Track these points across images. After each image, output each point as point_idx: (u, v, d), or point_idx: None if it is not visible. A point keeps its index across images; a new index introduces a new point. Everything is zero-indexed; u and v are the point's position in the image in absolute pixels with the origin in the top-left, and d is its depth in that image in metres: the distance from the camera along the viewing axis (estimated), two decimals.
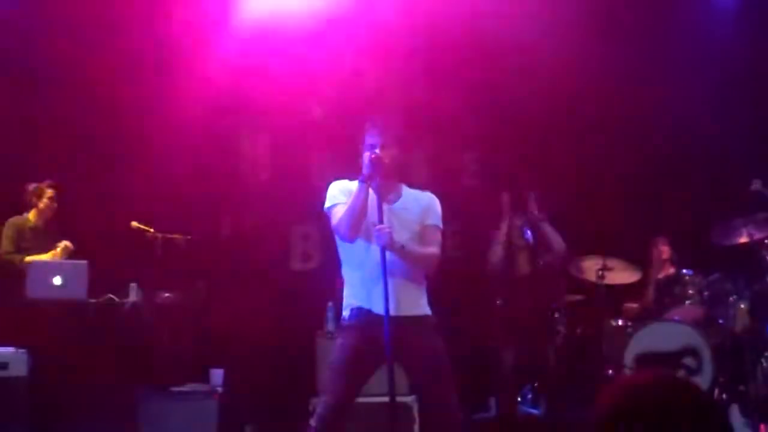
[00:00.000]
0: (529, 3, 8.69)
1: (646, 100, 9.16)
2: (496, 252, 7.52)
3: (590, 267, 8.09)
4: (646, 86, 9.12)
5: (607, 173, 9.14)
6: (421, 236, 5.17)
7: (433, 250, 5.18)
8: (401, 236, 5.04)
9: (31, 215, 8.06)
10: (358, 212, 5.01)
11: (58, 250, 7.75)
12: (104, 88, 8.62)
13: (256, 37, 8.91)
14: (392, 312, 4.84)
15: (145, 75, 8.78)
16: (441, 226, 5.26)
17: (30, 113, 8.67)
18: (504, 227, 7.56)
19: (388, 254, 4.93)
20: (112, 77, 8.63)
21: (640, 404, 2.41)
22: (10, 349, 6.84)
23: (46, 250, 7.80)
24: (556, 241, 7.51)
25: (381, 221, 4.94)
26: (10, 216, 8.01)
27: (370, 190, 5.02)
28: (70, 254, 7.77)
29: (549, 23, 8.73)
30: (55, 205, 8.09)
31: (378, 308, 4.89)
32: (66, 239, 7.86)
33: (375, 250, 4.96)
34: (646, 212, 8.96)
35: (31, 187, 8.06)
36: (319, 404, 5.10)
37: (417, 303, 5.14)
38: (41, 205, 8.04)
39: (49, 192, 8.06)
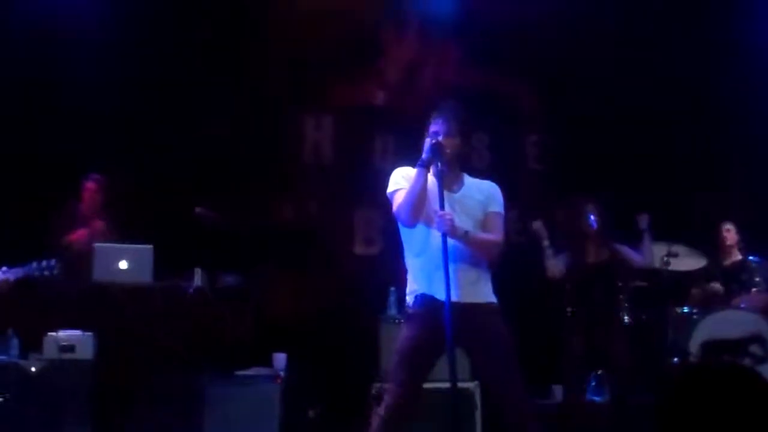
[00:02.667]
0: None
1: (713, 83, 9.05)
2: (553, 267, 7.49)
3: (656, 253, 8.01)
4: (716, 68, 9.02)
5: (672, 158, 9.04)
6: (484, 223, 5.16)
7: (496, 236, 5.17)
8: (464, 224, 5.03)
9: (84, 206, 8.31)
10: (417, 197, 5.00)
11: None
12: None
13: (321, 20, 8.92)
14: (455, 298, 4.82)
15: (208, 57, 8.85)
16: (503, 213, 5.25)
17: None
18: (546, 245, 7.52)
19: (450, 241, 4.92)
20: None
21: (704, 393, 2.39)
22: (77, 332, 6.93)
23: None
24: (648, 254, 7.56)
25: (442, 208, 4.93)
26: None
27: (431, 178, 5.02)
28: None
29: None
30: (98, 196, 8.28)
31: (441, 294, 4.88)
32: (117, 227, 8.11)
33: (437, 236, 4.95)
34: (714, 198, 8.85)
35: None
36: (387, 393, 5.11)
37: (480, 290, 5.13)
38: (84, 197, 8.28)
39: (89, 185, 8.27)
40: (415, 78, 9.31)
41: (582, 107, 9.06)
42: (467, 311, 4.92)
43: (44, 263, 6.54)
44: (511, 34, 9.06)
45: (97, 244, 7.63)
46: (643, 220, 7.63)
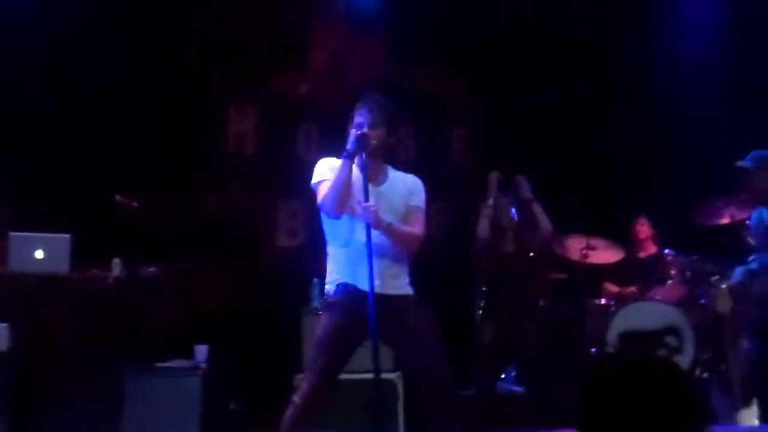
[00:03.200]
0: None
1: (632, 76, 9.19)
2: (484, 226, 7.50)
3: (574, 246, 8.13)
4: (635, 62, 9.16)
5: (591, 151, 9.15)
6: (406, 217, 5.20)
7: (417, 230, 5.23)
8: (386, 216, 5.07)
9: None
10: (342, 188, 5.03)
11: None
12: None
13: (246, 10, 8.86)
14: (377, 290, 4.85)
15: (132, 44, 8.75)
16: (424, 207, 5.31)
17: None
18: (491, 203, 7.54)
19: (373, 232, 4.94)
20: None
21: (620, 383, 2.43)
22: None
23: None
24: (545, 222, 7.51)
25: (367, 199, 4.96)
26: None
27: (356, 169, 5.04)
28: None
29: None
30: None
31: (363, 285, 4.90)
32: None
33: (360, 227, 4.98)
34: (630, 191, 8.98)
35: None
36: (303, 381, 5.13)
37: (401, 281, 5.20)
38: None
39: None
40: (340, 68, 9.30)
41: (506, 98, 9.12)
42: (387, 302, 4.94)
43: None
44: (436, 24, 9.08)
45: (12, 233, 7.48)
46: (524, 187, 7.64)
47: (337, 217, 5.11)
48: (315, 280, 7.46)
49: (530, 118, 9.10)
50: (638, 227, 8.61)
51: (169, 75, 8.88)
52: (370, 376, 4.87)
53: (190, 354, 7.46)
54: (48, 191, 8.31)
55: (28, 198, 8.19)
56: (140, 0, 8.82)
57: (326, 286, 5.24)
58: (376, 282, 4.87)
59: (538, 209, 7.51)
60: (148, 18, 8.78)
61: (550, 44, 9.25)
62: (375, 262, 4.90)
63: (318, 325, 5.24)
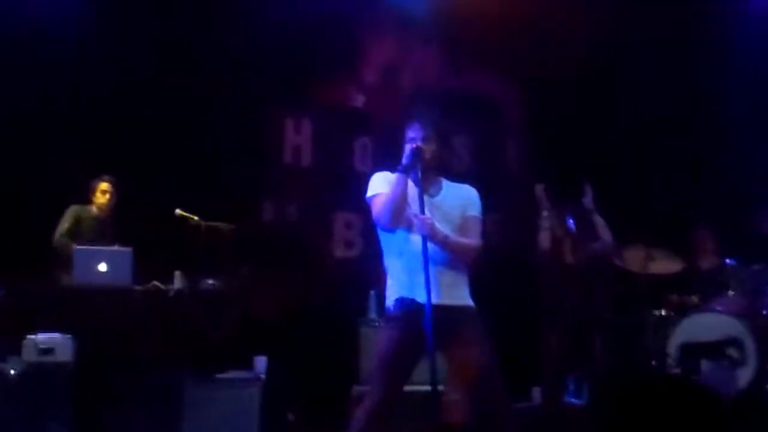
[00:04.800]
0: None
1: (688, 85, 9.11)
2: (545, 238, 7.45)
3: (633, 257, 8.05)
4: (687, 69, 9.08)
5: (651, 160, 9.08)
6: (462, 227, 5.20)
7: (474, 240, 5.22)
8: (443, 228, 5.08)
9: (94, 207, 8.40)
10: (397, 202, 5.05)
11: None
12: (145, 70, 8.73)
13: (298, 21, 8.91)
14: (435, 301, 4.86)
15: (187, 59, 8.84)
16: (481, 217, 5.29)
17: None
18: (546, 215, 7.49)
19: (429, 244, 4.95)
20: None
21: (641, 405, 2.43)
22: (56, 335, 6.90)
23: (99, 241, 7.99)
24: (605, 232, 7.43)
25: (423, 212, 4.97)
26: None
27: (411, 182, 5.06)
28: None
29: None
30: (110, 197, 8.39)
31: (421, 297, 4.91)
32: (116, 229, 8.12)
33: (416, 240, 4.99)
34: (690, 201, 8.89)
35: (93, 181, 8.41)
36: (366, 396, 5.14)
37: (459, 293, 5.18)
38: (95, 197, 8.39)
39: (102, 185, 8.40)
40: (395, 80, 9.32)
41: (562, 110, 9.08)
42: (445, 314, 4.95)
43: None
44: (493, 35, 9.06)
45: (76, 247, 7.61)
46: (588, 195, 7.58)
47: (392, 230, 5.13)
48: (372, 291, 7.50)
49: (588, 128, 9.03)
50: (699, 237, 8.50)
51: (228, 88, 8.96)
52: (426, 388, 4.86)
53: (249, 365, 7.52)
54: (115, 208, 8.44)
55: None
56: (197, 10, 8.90)
57: (387, 301, 5.25)
58: (433, 293, 4.88)
59: (598, 219, 7.44)
60: (205, 29, 8.87)
61: (614, 53, 9.16)
62: (432, 273, 4.90)
63: (379, 340, 5.26)
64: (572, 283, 7.41)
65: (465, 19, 9.01)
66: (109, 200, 8.40)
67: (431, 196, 5.18)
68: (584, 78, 9.05)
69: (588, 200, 7.50)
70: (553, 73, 9.05)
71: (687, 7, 8.99)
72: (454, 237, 5.12)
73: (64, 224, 8.25)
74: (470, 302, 5.21)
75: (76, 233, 8.19)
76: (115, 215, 8.43)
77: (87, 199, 8.43)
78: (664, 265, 8.15)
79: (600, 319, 7.48)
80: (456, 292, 5.15)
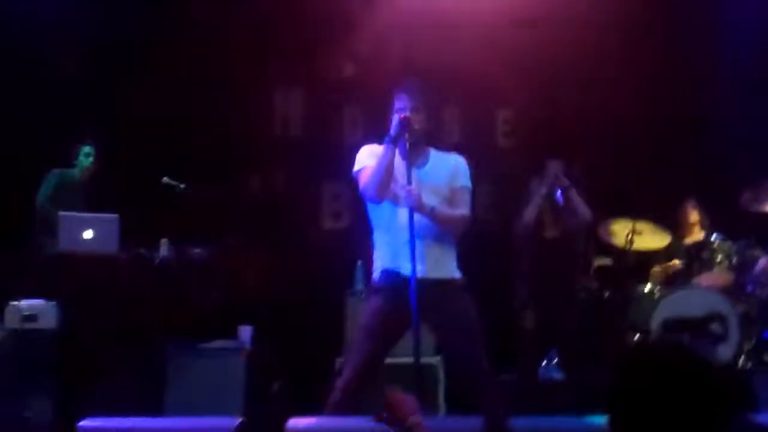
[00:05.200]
0: None
1: (678, 59, 9.09)
2: (531, 213, 7.43)
3: (619, 230, 8.04)
4: (677, 44, 9.06)
5: (638, 134, 9.06)
6: (451, 198, 5.19)
7: (463, 211, 5.21)
8: (430, 200, 5.06)
9: (76, 171, 8.35)
10: (384, 172, 5.05)
11: None
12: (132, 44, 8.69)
13: None
14: (420, 274, 4.87)
15: (175, 25, 8.80)
16: (470, 186, 5.28)
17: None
18: (543, 192, 7.45)
19: (416, 216, 4.95)
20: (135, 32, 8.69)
21: (652, 370, 2.42)
22: (40, 301, 6.89)
23: (82, 205, 7.94)
24: (582, 207, 7.40)
25: (410, 184, 4.96)
26: None
27: (398, 154, 5.05)
28: None
29: None
30: (92, 161, 8.32)
31: (406, 270, 4.92)
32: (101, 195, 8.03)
33: (403, 212, 4.99)
34: (677, 175, 8.88)
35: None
36: (345, 365, 5.15)
37: (446, 266, 5.18)
38: (77, 161, 8.34)
39: (85, 149, 8.33)
40: (385, 51, 9.27)
41: (550, 80, 9.06)
42: (432, 287, 4.96)
43: None
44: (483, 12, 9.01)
45: (61, 213, 7.57)
46: (559, 172, 7.52)
47: (379, 201, 5.12)
48: (359, 262, 7.49)
49: (573, 101, 9.01)
50: (687, 211, 8.49)
51: (216, 58, 8.91)
52: (410, 360, 4.88)
53: (234, 335, 7.51)
54: (97, 172, 8.39)
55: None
56: None
57: (373, 273, 5.25)
58: (420, 266, 4.88)
59: (574, 195, 7.41)
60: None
61: (594, 24, 9.11)
62: (418, 246, 4.91)
63: (363, 311, 5.26)
64: (552, 256, 7.41)
65: None
66: (92, 164, 8.33)
67: (418, 167, 5.16)
68: (571, 50, 9.01)
69: (561, 177, 7.44)
70: (542, 50, 9.01)
71: None
72: (441, 208, 5.11)
73: (46, 189, 8.19)
74: (457, 275, 5.21)
75: (57, 198, 8.11)
76: (97, 179, 8.36)
77: (68, 163, 8.37)
78: (651, 239, 8.15)
79: (579, 292, 7.49)
80: (443, 266, 5.15)
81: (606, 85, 9.02)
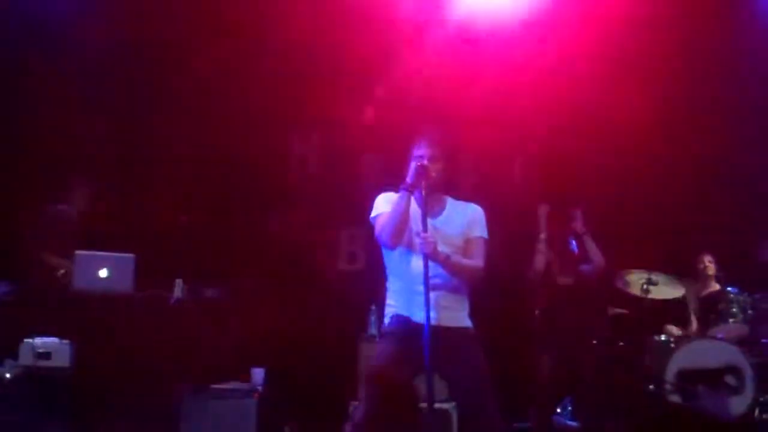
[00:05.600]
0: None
1: (696, 109, 9.09)
2: (540, 261, 7.47)
3: (635, 281, 8.04)
4: (696, 92, 9.06)
5: (654, 187, 9.06)
6: (465, 248, 5.19)
7: (477, 262, 5.20)
8: (443, 250, 5.05)
9: (68, 207, 8.23)
10: (399, 220, 5.05)
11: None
12: (151, 83, 8.72)
13: (311, 33, 8.89)
14: (432, 322, 4.85)
15: (193, 73, 8.84)
16: (486, 237, 5.27)
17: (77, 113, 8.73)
18: (543, 238, 7.51)
19: (430, 264, 4.95)
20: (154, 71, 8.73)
21: None
22: (54, 340, 6.90)
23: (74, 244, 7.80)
24: (597, 255, 7.45)
25: (425, 232, 4.95)
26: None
27: (414, 201, 5.05)
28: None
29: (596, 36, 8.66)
30: (87, 198, 8.26)
31: (418, 317, 4.92)
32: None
33: (417, 259, 4.99)
34: (693, 227, 8.87)
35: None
36: (356, 409, 5.13)
37: (458, 315, 5.17)
38: (72, 198, 8.24)
39: (80, 186, 8.26)
40: (405, 96, 9.30)
41: (569, 127, 9.06)
42: (443, 334, 4.94)
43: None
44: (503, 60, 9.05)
45: (78, 252, 7.58)
46: (578, 220, 7.58)
47: (393, 248, 5.13)
48: (372, 307, 7.49)
49: (590, 149, 9.01)
50: (703, 263, 8.48)
51: (235, 99, 8.96)
52: (424, 405, 4.85)
53: (247, 377, 7.50)
54: (112, 212, 8.42)
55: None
56: (206, 18, 8.91)
57: (384, 318, 5.25)
58: (433, 314, 4.87)
59: (589, 242, 7.45)
60: (214, 37, 8.87)
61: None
62: (431, 294, 4.90)
63: (372, 355, 5.24)
64: (567, 304, 7.41)
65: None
66: (86, 201, 8.26)
67: (434, 215, 5.17)
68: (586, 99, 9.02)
69: (579, 224, 7.52)
70: (556, 95, 9.03)
71: None
72: (456, 257, 5.11)
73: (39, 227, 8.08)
74: (468, 324, 5.20)
75: (48, 236, 8.02)
76: (89, 216, 8.29)
77: (60, 199, 8.26)
78: (666, 290, 8.13)
79: (594, 341, 7.47)
80: (454, 314, 5.14)
81: (624, 136, 9.02)
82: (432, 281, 4.92)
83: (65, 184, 8.30)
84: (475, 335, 5.16)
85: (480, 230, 5.26)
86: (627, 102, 8.91)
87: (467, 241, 5.21)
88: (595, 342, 7.53)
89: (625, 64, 8.80)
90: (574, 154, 9.02)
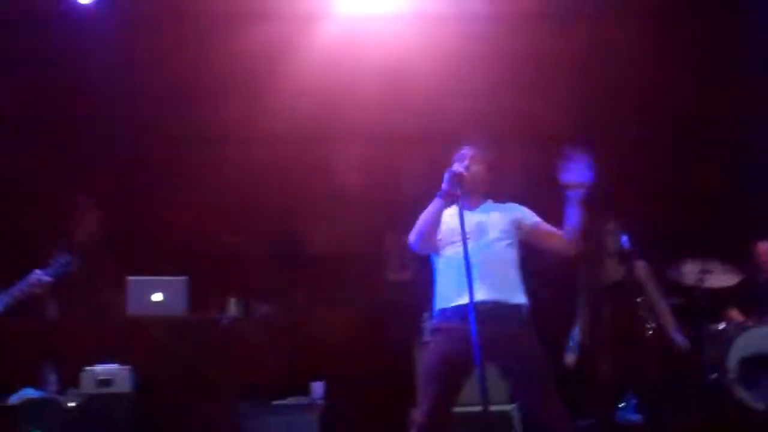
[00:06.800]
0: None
1: (741, 97, 8.99)
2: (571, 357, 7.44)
3: (690, 271, 7.96)
4: (741, 79, 8.96)
5: (708, 174, 8.96)
6: (536, 233, 5.28)
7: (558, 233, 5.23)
8: (492, 234, 5.11)
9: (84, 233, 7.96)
10: (429, 224, 5.12)
11: None
12: (197, 100, 8.78)
13: (350, 47, 8.90)
14: (484, 297, 4.86)
15: (235, 89, 8.87)
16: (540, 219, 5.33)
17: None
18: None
19: (479, 250, 4.97)
20: (204, 91, 8.76)
21: None
22: (114, 366, 6.98)
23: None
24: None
25: (464, 235, 4.83)
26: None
27: (455, 208, 5.03)
28: None
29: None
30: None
31: (465, 300, 4.80)
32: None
33: (459, 257, 4.89)
34: (748, 214, 8.77)
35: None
36: (417, 413, 5.08)
37: (510, 292, 5.10)
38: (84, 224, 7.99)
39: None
40: (447, 104, 9.28)
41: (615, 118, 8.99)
42: (496, 311, 4.93)
43: (62, 259, 6.49)
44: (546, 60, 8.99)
45: (130, 278, 7.62)
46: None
47: (421, 251, 5.22)
48: (425, 314, 7.48)
49: (643, 137, 8.93)
50: (759, 250, 8.38)
51: (279, 112, 8.98)
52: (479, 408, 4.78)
53: (306, 391, 7.52)
54: (162, 235, 8.48)
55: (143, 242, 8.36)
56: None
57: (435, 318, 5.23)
58: (483, 292, 4.88)
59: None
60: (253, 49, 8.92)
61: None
62: (481, 279, 4.91)
63: (425, 355, 5.22)
64: (619, 299, 7.34)
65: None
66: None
67: (474, 209, 5.22)
68: (631, 92, 8.94)
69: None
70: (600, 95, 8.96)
71: None
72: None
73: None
74: (522, 300, 5.14)
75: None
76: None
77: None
78: (721, 278, 8.04)
79: (644, 333, 7.38)
80: (505, 291, 5.08)
81: (674, 123, 8.94)
82: (480, 268, 4.91)
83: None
84: (530, 318, 5.12)
85: (533, 216, 5.33)
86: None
87: (533, 227, 5.28)
88: (650, 333, 7.42)
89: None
90: (625, 144, 8.92)
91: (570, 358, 7.35)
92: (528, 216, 5.32)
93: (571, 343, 7.37)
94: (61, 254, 6.45)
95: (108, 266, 7.69)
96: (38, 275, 6.26)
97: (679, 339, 7.43)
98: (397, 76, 8.95)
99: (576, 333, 7.38)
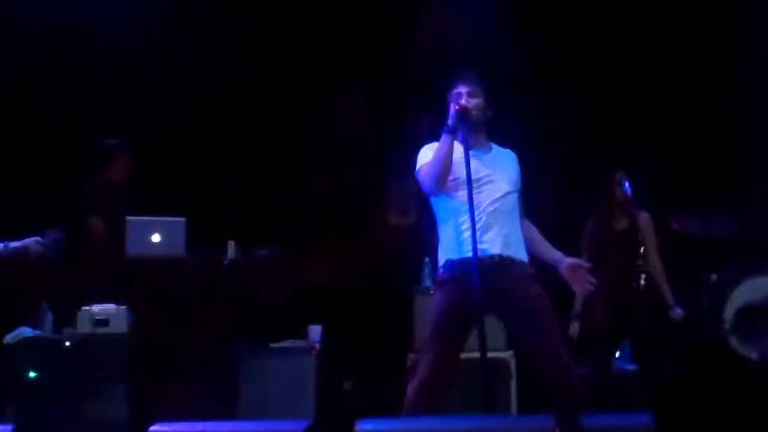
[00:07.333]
0: None
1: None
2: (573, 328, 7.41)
3: (688, 220, 7.93)
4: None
5: (709, 118, 8.89)
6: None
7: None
8: (504, 186, 5.03)
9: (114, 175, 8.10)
10: (441, 163, 4.95)
11: None
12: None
13: None
14: (490, 252, 4.83)
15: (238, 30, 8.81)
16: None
17: None
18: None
19: (489, 199, 4.93)
20: None
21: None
22: (111, 306, 6.95)
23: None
24: None
25: (470, 174, 4.82)
26: None
27: (458, 145, 4.96)
28: None
29: None
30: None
31: (469, 253, 4.79)
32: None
33: (464, 203, 4.87)
34: (746, 162, 8.72)
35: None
36: (420, 364, 5.03)
37: (516, 247, 5.04)
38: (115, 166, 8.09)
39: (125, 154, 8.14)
40: (450, 46, 9.20)
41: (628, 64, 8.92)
42: (500, 265, 4.88)
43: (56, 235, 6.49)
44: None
45: (129, 218, 7.56)
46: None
47: (437, 193, 5.05)
48: (426, 259, 7.45)
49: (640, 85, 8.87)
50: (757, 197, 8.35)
51: (280, 57, 8.92)
52: (477, 355, 4.77)
53: (304, 334, 7.52)
54: (163, 175, 8.44)
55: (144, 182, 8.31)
56: None
57: (439, 267, 5.14)
58: (489, 245, 4.84)
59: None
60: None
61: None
62: (486, 230, 4.87)
63: (430, 306, 5.16)
64: (613, 247, 7.31)
65: None
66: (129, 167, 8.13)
67: (484, 152, 5.12)
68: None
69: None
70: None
71: None
72: None
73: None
74: (525, 257, 5.08)
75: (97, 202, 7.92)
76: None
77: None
78: (721, 227, 8.01)
79: (639, 283, 7.36)
80: (508, 245, 5.00)
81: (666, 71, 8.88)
82: (487, 217, 4.89)
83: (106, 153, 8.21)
84: (532, 273, 5.06)
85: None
86: None
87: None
88: (644, 283, 7.39)
89: None
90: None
91: (574, 327, 7.34)
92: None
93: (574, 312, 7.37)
94: (56, 230, 6.48)
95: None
96: (35, 245, 6.27)
97: (676, 312, 7.37)
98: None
99: (578, 301, 7.34)
